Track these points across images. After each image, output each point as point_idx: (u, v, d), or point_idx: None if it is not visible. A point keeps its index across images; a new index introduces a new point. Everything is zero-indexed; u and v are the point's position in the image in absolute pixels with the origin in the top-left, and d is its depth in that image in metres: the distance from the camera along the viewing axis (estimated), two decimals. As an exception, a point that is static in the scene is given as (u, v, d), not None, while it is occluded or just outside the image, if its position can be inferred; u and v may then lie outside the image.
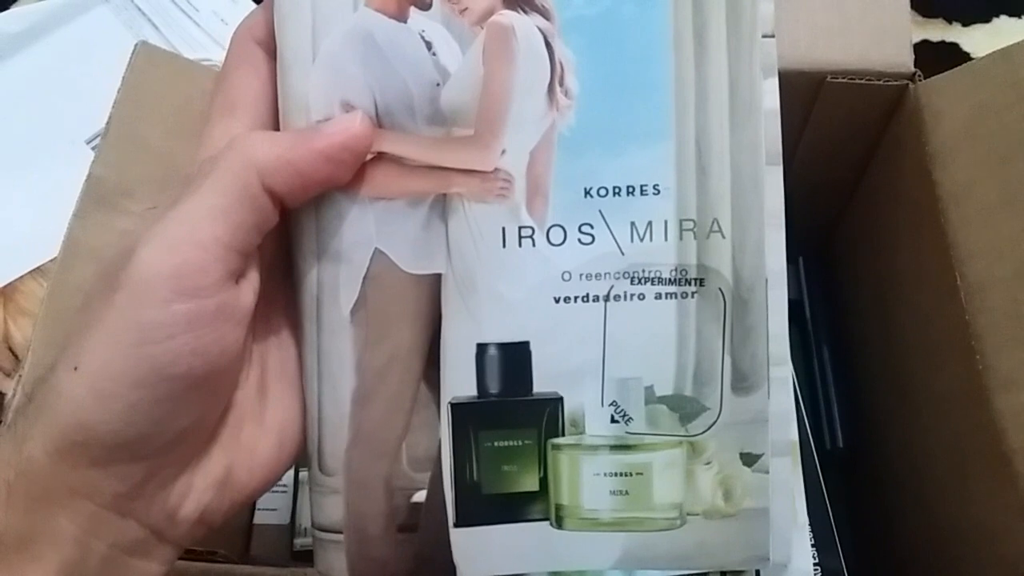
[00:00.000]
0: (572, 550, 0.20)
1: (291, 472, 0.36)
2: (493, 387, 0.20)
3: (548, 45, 0.19)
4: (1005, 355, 0.26)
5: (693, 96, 0.19)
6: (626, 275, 0.20)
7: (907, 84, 0.31)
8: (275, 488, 0.35)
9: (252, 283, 0.18)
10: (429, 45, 0.19)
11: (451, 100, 0.19)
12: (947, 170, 0.29)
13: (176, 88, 0.31)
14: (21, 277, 0.44)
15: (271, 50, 0.19)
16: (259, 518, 0.37)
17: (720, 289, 0.20)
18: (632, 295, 0.20)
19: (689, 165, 0.19)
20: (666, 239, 0.20)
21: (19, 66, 0.50)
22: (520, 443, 0.20)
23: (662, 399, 0.20)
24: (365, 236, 0.19)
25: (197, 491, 0.18)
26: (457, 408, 0.20)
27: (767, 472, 0.20)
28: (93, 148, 0.47)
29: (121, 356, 0.16)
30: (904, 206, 0.33)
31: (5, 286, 0.44)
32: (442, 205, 0.19)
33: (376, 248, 0.19)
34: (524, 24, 0.19)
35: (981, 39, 0.54)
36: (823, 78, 0.31)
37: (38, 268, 0.44)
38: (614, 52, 0.19)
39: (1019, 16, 0.55)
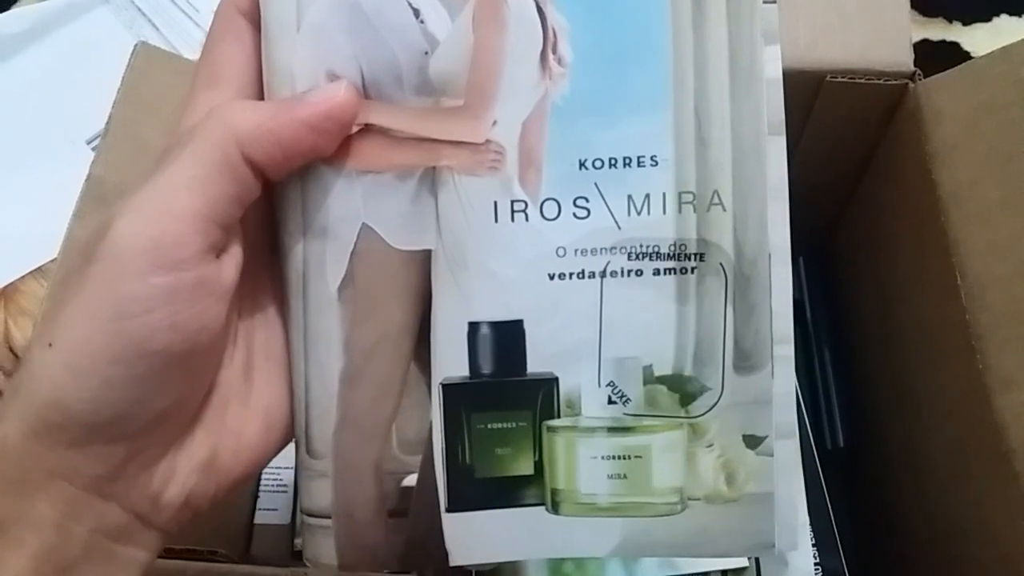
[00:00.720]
0: (568, 536, 0.20)
1: (292, 472, 0.36)
2: (486, 367, 0.19)
3: (540, 11, 0.18)
4: (1006, 354, 0.26)
5: (692, 63, 0.19)
6: (623, 250, 0.19)
7: (907, 83, 0.31)
8: (275, 488, 0.36)
9: (234, 258, 0.17)
10: (417, 12, 0.18)
11: (440, 69, 0.18)
12: (947, 169, 0.29)
13: (176, 88, 0.31)
14: (22, 277, 0.44)
15: (255, 20, 0.19)
16: (260, 518, 0.36)
17: (721, 264, 0.19)
18: (629, 271, 0.19)
19: (688, 135, 0.19)
20: (664, 212, 0.19)
21: (20, 67, 0.50)
22: (514, 425, 0.19)
23: (661, 379, 0.19)
24: (352, 211, 0.19)
25: (181, 474, 0.17)
26: (448, 389, 0.19)
27: (771, 455, 0.19)
28: (93, 148, 0.47)
29: (97, 331, 0.15)
30: (904, 205, 0.33)
31: (6, 286, 0.44)
32: (431, 179, 0.19)
33: (363, 223, 0.19)
34: (515, -11, 0.18)
35: (982, 38, 0.54)
36: (823, 77, 0.31)
37: (39, 268, 0.44)
38: (609, 18, 0.18)
39: (1020, 15, 0.55)
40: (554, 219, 0.19)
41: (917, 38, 0.53)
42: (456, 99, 0.18)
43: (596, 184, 0.19)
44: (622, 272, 0.19)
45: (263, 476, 0.36)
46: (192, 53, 0.46)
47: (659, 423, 0.20)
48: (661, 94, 0.19)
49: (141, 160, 0.30)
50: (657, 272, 0.19)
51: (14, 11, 0.52)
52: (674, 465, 0.20)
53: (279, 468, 0.36)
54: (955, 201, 0.29)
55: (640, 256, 0.19)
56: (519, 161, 0.19)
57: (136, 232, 0.16)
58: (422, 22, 0.18)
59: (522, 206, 0.19)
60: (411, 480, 0.19)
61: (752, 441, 0.19)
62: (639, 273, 0.19)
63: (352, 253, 0.19)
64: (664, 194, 0.19)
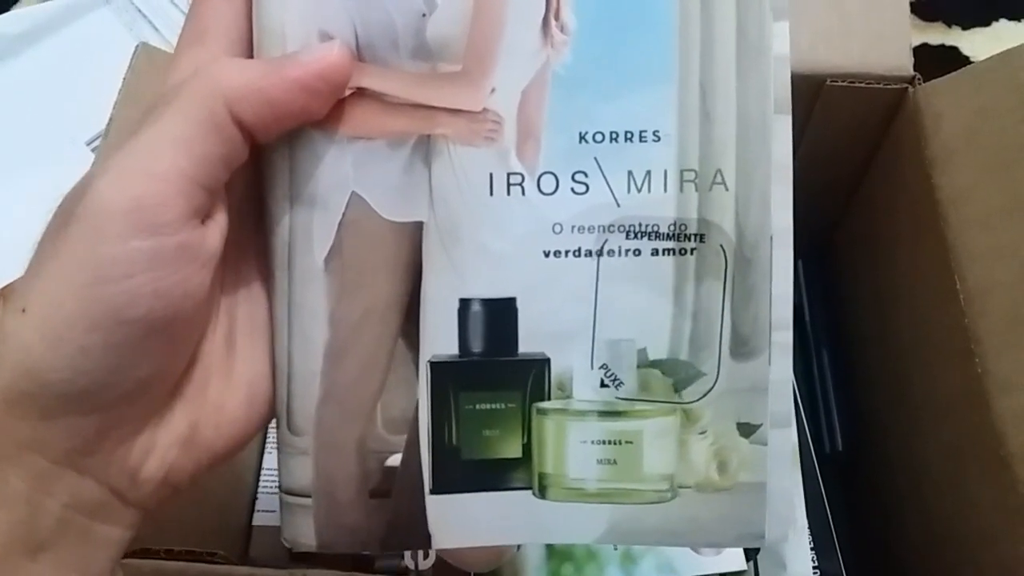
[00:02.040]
0: (555, 521, 0.19)
1: None
2: (476, 346, 0.19)
3: (544, -25, 0.17)
4: (1004, 359, 0.26)
5: (699, 36, 0.18)
6: (621, 228, 0.18)
7: (907, 88, 0.31)
8: (274, 490, 0.35)
9: (219, 225, 0.17)
10: (415, -29, 0.17)
11: (438, 32, 0.18)
12: (947, 174, 0.29)
13: None
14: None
15: (246, -24, 0.18)
16: (258, 519, 0.36)
17: (722, 246, 0.18)
18: (627, 250, 0.18)
19: (692, 111, 0.18)
20: (665, 190, 0.18)
21: (20, 67, 0.49)
22: (503, 406, 0.19)
23: (656, 363, 0.19)
24: (342, 179, 0.18)
25: (160, 448, 0.17)
26: (437, 367, 0.19)
27: (765, 444, 0.19)
28: (93, 149, 0.47)
29: (74, 296, 0.15)
30: (904, 209, 0.33)
31: (4, 287, 0.42)
32: (426, 147, 0.18)
33: (353, 192, 0.18)
34: (518, -49, 0.17)
35: (981, 43, 0.54)
36: (823, 81, 0.31)
37: None
38: (615, -15, 0.18)
39: (1019, 20, 0.55)
40: (551, 194, 0.18)
41: (916, 42, 0.53)
42: (454, 64, 0.18)
43: (596, 158, 0.18)
44: (619, 251, 0.18)
45: (261, 478, 0.36)
46: None
47: (652, 408, 0.19)
48: (666, 66, 0.18)
49: None
50: (655, 252, 0.18)
51: (14, 12, 0.52)
52: (665, 452, 0.19)
53: (277, 470, 0.36)
54: (954, 206, 0.29)
55: (639, 235, 0.18)
56: (517, 132, 0.18)
57: (116, 193, 0.15)
58: (420, -18, 0.17)
59: (519, 179, 0.18)
60: (395, 460, 0.19)
61: (746, 429, 0.19)
62: (637, 253, 0.18)
63: (340, 223, 0.18)
64: (666, 171, 0.18)
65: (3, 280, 0.42)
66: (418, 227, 0.18)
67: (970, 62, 0.53)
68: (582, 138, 0.18)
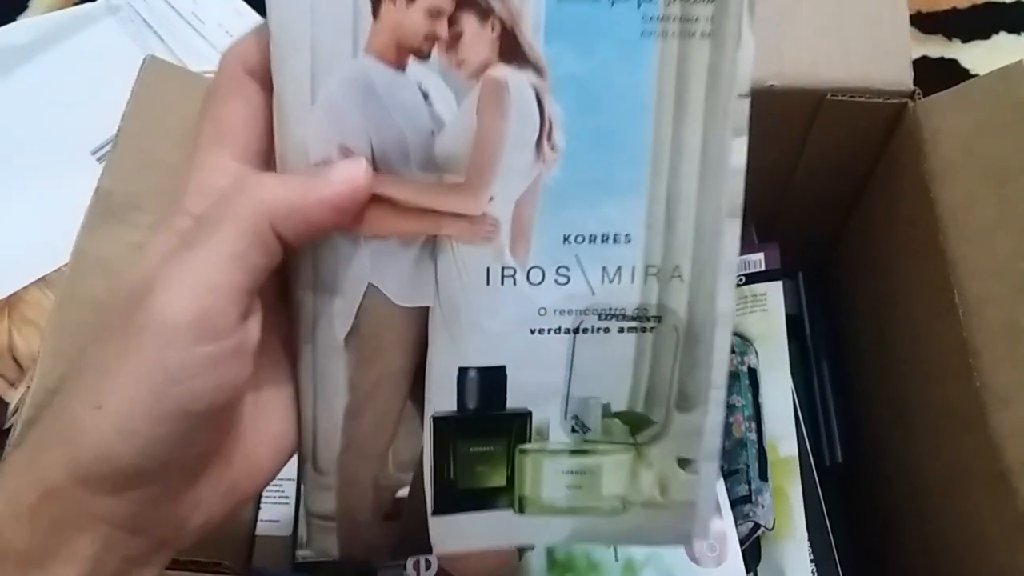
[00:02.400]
0: (529, 529, 0.24)
1: (293, 484, 0.37)
2: (471, 403, 0.22)
3: (539, 101, 0.20)
4: (1003, 372, 0.26)
5: (668, 155, 0.21)
6: (594, 312, 0.22)
7: (906, 102, 0.31)
8: (277, 500, 0.36)
9: (257, 317, 0.19)
10: (426, 95, 0.19)
11: (444, 148, 0.20)
12: (946, 188, 0.29)
13: (184, 102, 0.31)
14: (26, 287, 0.44)
15: (262, 79, 0.19)
16: (261, 529, 0.37)
17: (675, 326, 0.22)
18: (599, 328, 0.22)
19: (658, 218, 0.21)
20: (632, 282, 0.22)
21: (26, 77, 0.50)
22: (492, 449, 0.23)
23: (616, 414, 0.23)
24: (360, 272, 0.21)
25: (205, 504, 0.20)
26: (439, 421, 0.22)
27: (697, 473, 0.24)
28: (99, 159, 0.47)
29: (146, 396, 0.17)
30: (903, 223, 0.33)
31: (10, 296, 0.44)
32: (432, 245, 0.21)
33: (370, 283, 0.21)
34: (517, 80, 0.20)
35: (980, 55, 0.54)
36: (823, 96, 0.31)
37: (43, 278, 0.44)
38: (600, 110, 0.20)
39: (1018, 33, 0.55)
40: (538, 284, 0.21)
41: (916, 55, 0.51)
42: (458, 176, 0.20)
43: (577, 256, 0.21)
44: (592, 329, 0.22)
45: (264, 490, 0.35)
46: (197, 65, 0.45)
47: (612, 448, 0.24)
48: (639, 181, 0.21)
49: (149, 173, 0.31)
50: (621, 330, 0.22)
51: (21, 21, 0.51)
52: (620, 479, 0.24)
53: (281, 480, 0.37)
54: (953, 220, 0.29)
55: (609, 317, 0.22)
56: (511, 233, 0.21)
57: (181, 306, 0.17)
58: (430, 104, 0.20)
59: (511, 272, 0.21)
60: (403, 492, 0.23)
61: (683, 463, 0.24)
62: (607, 331, 0.22)
63: (359, 309, 0.21)
64: (633, 267, 0.22)
65: (7, 290, 0.43)
66: (425, 310, 0.21)
67: (970, 74, 0.54)
68: (566, 239, 0.21)
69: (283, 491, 0.37)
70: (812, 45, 0.32)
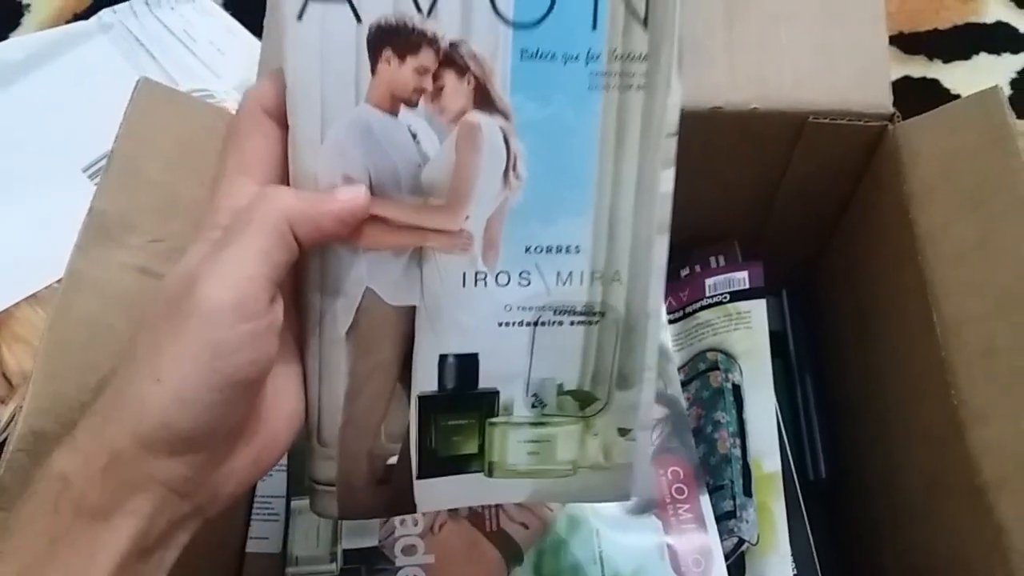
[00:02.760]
0: (497, 490, 0.29)
1: (283, 502, 0.37)
2: (449, 384, 0.27)
3: (506, 140, 0.25)
4: (979, 390, 0.26)
5: (610, 183, 0.26)
6: (551, 308, 0.27)
7: (886, 125, 0.32)
8: (267, 517, 0.37)
9: (280, 304, 0.23)
10: (414, 135, 0.24)
11: (429, 177, 0.25)
12: (924, 210, 0.29)
13: (176, 123, 0.32)
14: (16, 304, 0.44)
15: (278, 118, 0.24)
16: (251, 546, 0.37)
17: (615, 320, 0.28)
18: (554, 322, 0.27)
19: (602, 233, 0.26)
20: (581, 284, 0.27)
21: (18, 94, 0.50)
22: (466, 422, 0.28)
23: (569, 392, 0.28)
24: (359, 277, 0.25)
25: (236, 473, 0.23)
26: (423, 399, 0.27)
27: (634, 440, 0.29)
28: (90, 176, 0.47)
29: (198, 369, 0.20)
30: (883, 243, 0.33)
31: (0, 313, 0.43)
32: (419, 255, 0.25)
33: (367, 287, 0.25)
34: (488, 123, 0.24)
35: (961, 75, 0.54)
36: (805, 118, 0.32)
37: (33, 295, 0.44)
38: (555, 147, 0.25)
39: (998, 54, 0.55)
40: (505, 285, 0.26)
41: (899, 75, 0.53)
42: (440, 199, 0.25)
43: (536, 263, 0.26)
44: (549, 322, 0.27)
45: (255, 505, 0.38)
46: (190, 82, 0.46)
47: (564, 420, 0.29)
48: (586, 203, 0.26)
49: (142, 193, 0.31)
50: (572, 323, 0.27)
51: (14, 39, 0.51)
52: (571, 446, 0.29)
53: (270, 497, 0.37)
54: (931, 241, 0.29)
55: (562, 312, 0.27)
56: (483, 245, 0.26)
57: (223, 293, 0.21)
58: (418, 143, 0.24)
59: (483, 276, 0.26)
60: (393, 459, 0.28)
61: (623, 432, 0.29)
62: (560, 323, 0.27)
63: (358, 308, 0.25)
64: (582, 272, 0.27)
65: (1, 303, 0.43)
66: (412, 308, 0.26)
67: (951, 94, 0.54)
68: (527, 249, 0.26)
69: (272, 508, 0.37)
70: (794, 69, 0.32)
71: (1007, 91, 0.51)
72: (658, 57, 0.25)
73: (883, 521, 0.35)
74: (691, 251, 0.44)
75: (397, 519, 0.35)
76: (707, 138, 0.33)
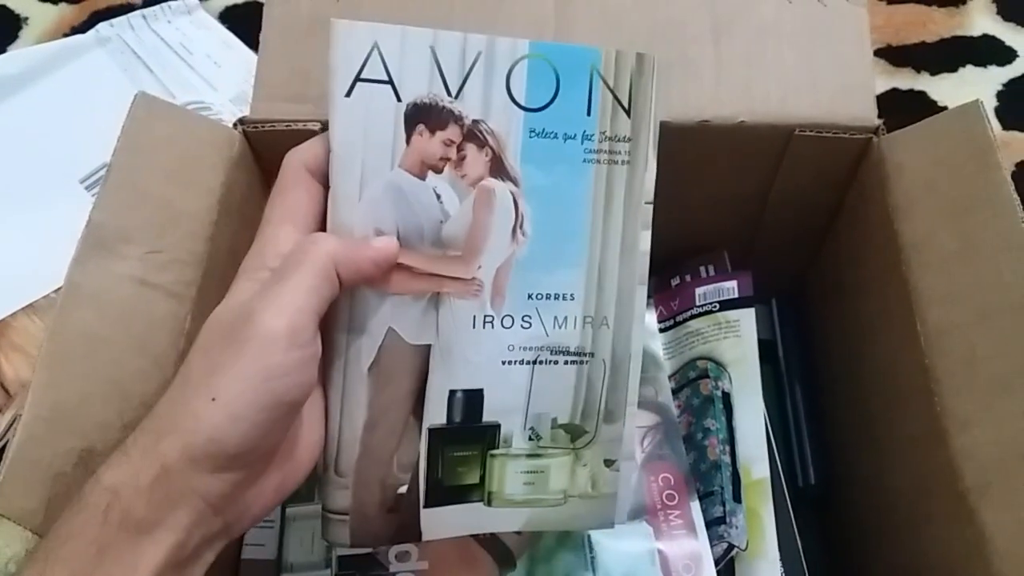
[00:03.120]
0: (495, 519, 0.32)
1: (278, 509, 0.38)
2: (457, 417, 0.30)
3: (515, 203, 0.29)
4: (962, 398, 0.27)
5: (600, 241, 0.30)
6: (548, 349, 0.31)
7: (871, 137, 0.32)
8: (262, 524, 0.37)
9: (319, 336, 0.26)
10: (439, 196, 0.28)
11: (449, 232, 0.28)
12: (908, 221, 0.30)
13: (174, 137, 0.33)
14: (14, 313, 0.44)
15: (320, 177, 0.27)
16: (247, 553, 0.37)
17: (603, 360, 0.31)
18: (551, 361, 0.31)
19: (593, 283, 0.31)
20: (575, 328, 0.31)
21: (16, 107, 0.50)
22: (470, 453, 0.31)
23: (561, 426, 0.32)
24: (383, 318, 0.28)
25: (264, 495, 0.25)
26: (433, 432, 0.30)
27: (618, 471, 0.33)
28: (87, 187, 0.48)
29: (252, 387, 0.22)
30: (869, 253, 0.33)
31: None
32: (436, 299, 0.29)
33: (390, 327, 0.28)
34: (501, 188, 0.29)
35: (948, 88, 0.55)
36: (792, 131, 0.33)
37: (30, 304, 0.44)
38: (555, 209, 0.29)
39: (984, 66, 0.56)
40: (509, 328, 0.30)
41: (886, 87, 0.54)
42: (456, 251, 0.29)
43: (537, 309, 0.30)
44: (546, 362, 0.31)
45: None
46: (186, 95, 0.47)
47: (557, 452, 0.32)
48: (580, 257, 0.30)
49: (139, 207, 0.32)
50: (567, 363, 0.31)
51: (11, 52, 0.51)
52: (563, 476, 0.32)
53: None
54: (915, 251, 0.29)
55: (558, 353, 0.31)
56: (492, 291, 0.29)
57: (279, 322, 0.23)
58: (441, 203, 0.28)
59: (491, 319, 0.30)
60: (403, 489, 0.30)
61: (608, 462, 0.33)
62: (556, 363, 0.31)
63: (380, 346, 0.28)
64: (576, 317, 0.31)
65: (1, 311, 0.43)
66: (428, 347, 0.29)
67: (938, 106, 0.54)
68: (529, 296, 0.30)
69: (268, 515, 0.35)
70: (781, 83, 0.32)
71: (994, 103, 0.54)
72: (638, 139, 0.30)
73: (870, 526, 0.35)
74: (681, 261, 0.44)
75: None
76: (696, 151, 0.34)
